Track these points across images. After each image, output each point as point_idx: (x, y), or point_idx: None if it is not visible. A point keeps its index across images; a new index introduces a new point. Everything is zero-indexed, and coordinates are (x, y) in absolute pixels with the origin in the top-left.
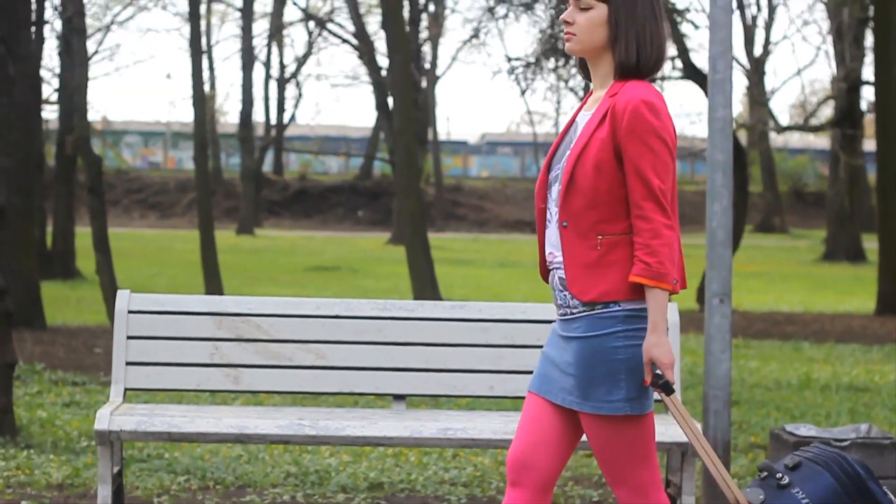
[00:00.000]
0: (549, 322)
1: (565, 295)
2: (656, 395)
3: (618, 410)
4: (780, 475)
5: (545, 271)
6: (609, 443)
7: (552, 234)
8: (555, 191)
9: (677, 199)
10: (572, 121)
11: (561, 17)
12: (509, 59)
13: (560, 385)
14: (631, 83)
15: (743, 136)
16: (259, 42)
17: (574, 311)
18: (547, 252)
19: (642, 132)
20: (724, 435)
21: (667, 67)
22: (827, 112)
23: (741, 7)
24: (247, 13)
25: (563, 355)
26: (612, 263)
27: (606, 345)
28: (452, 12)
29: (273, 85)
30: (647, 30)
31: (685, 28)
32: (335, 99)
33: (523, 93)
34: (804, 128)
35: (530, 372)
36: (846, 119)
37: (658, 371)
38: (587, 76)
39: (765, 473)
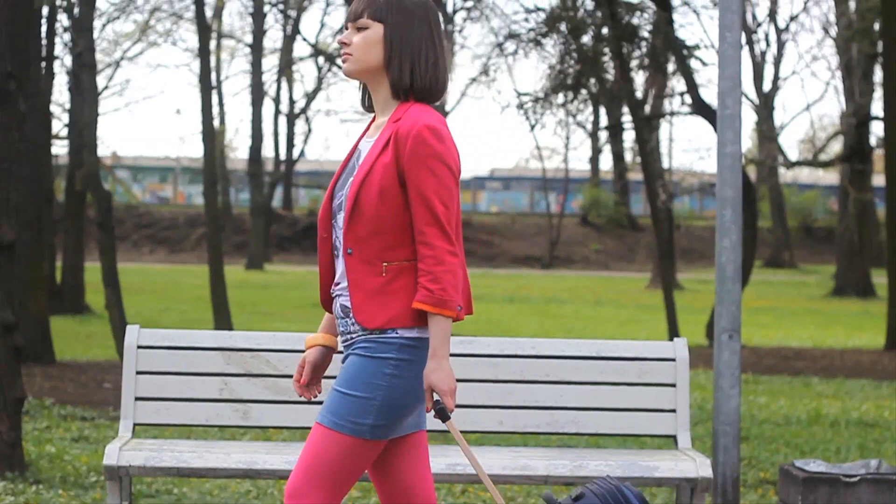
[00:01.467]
0: (559, 357)
1: (347, 322)
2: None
3: (360, 434)
4: None
5: (327, 300)
6: (331, 459)
7: (339, 262)
8: (339, 218)
9: (461, 224)
10: (354, 148)
11: (337, 38)
12: (518, 94)
13: None
14: (415, 108)
15: (752, 172)
16: (268, 77)
17: (355, 335)
18: (334, 281)
19: (426, 157)
20: (733, 471)
21: (676, 103)
22: (836, 147)
23: (750, 43)
24: (256, 49)
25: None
26: (397, 290)
27: (376, 369)
28: (462, 48)
29: (282, 120)
30: (422, 51)
31: (694, 64)
32: (345, 134)
33: (532, 128)
34: (813, 163)
35: (540, 407)
36: (855, 154)
37: (437, 397)
38: (370, 106)
39: None
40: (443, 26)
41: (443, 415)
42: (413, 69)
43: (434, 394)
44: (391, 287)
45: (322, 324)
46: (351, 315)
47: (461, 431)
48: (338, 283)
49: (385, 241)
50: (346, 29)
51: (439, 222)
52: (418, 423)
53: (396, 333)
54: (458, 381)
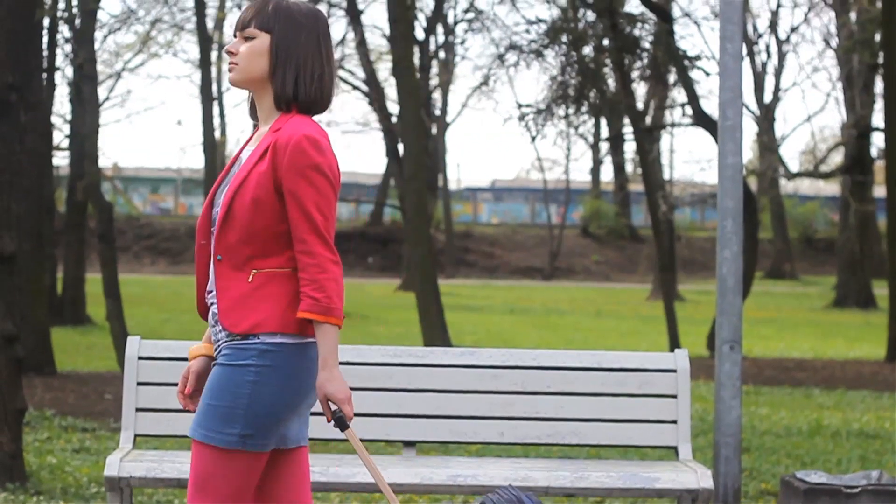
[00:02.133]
0: (560, 368)
1: (217, 329)
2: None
3: (230, 444)
4: None
5: (204, 309)
6: (211, 474)
7: (212, 269)
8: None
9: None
10: (237, 156)
11: (225, 48)
12: (520, 106)
13: None
14: (295, 118)
15: (753, 183)
16: None
17: (221, 342)
18: (207, 289)
19: (304, 168)
20: (734, 482)
21: (677, 114)
22: (837, 158)
23: (751, 54)
24: None
25: None
26: (264, 297)
27: (236, 376)
28: (463, 59)
29: None
30: (308, 63)
31: (695, 75)
32: (346, 145)
33: (533, 139)
34: (814, 174)
35: (541, 418)
36: (856, 165)
37: (334, 407)
38: (256, 116)
39: None
40: (333, 37)
41: (342, 423)
42: (297, 81)
43: (331, 403)
44: (258, 293)
45: (205, 334)
46: (219, 322)
47: (459, 442)
48: (210, 291)
49: (255, 250)
50: (235, 37)
51: (319, 231)
52: (298, 439)
53: (258, 339)
54: (459, 392)
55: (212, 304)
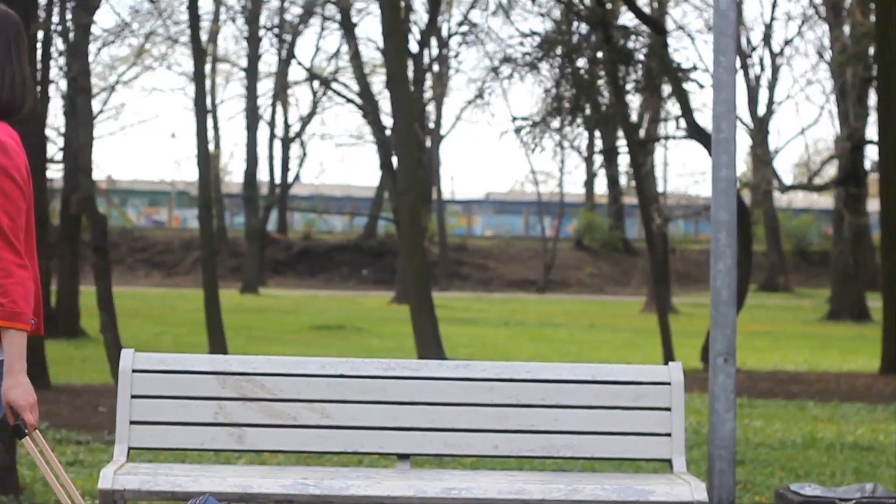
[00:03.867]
0: (554, 381)
1: None
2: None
3: None
4: None
5: None
6: None
7: None
8: None
9: (34, 237)
10: None
11: None
12: (514, 119)
13: None
14: None
15: (747, 196)
16: (264, 101)
17: None
18: None
19: None
20: (728, 495)
21: (671, 127)
22: (831, 171)
23: (745, 67)
24: (251, 73)
25: None
26: None
27: None
28: (457, 72)
29: (277, 144)
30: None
31: (689, 87)
32: (339, 158)
33: (532, 151)
34: (808, 187)
35: (536, 431)
36: (850, 178)
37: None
38: None
39: None
40: (27, 39)
41: (19, 432)
42: None
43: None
44: None
45: None
46: None
47: (453, 455)
48: None
49: None
50: None
51: (5, 235)
52: None
53: None
54: (453, 405)
55: None
